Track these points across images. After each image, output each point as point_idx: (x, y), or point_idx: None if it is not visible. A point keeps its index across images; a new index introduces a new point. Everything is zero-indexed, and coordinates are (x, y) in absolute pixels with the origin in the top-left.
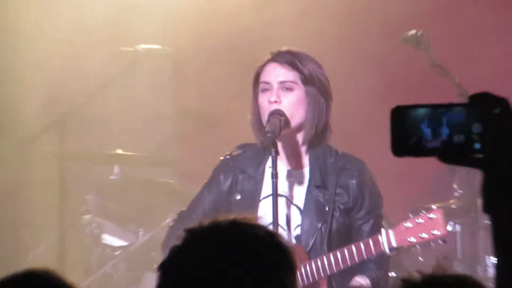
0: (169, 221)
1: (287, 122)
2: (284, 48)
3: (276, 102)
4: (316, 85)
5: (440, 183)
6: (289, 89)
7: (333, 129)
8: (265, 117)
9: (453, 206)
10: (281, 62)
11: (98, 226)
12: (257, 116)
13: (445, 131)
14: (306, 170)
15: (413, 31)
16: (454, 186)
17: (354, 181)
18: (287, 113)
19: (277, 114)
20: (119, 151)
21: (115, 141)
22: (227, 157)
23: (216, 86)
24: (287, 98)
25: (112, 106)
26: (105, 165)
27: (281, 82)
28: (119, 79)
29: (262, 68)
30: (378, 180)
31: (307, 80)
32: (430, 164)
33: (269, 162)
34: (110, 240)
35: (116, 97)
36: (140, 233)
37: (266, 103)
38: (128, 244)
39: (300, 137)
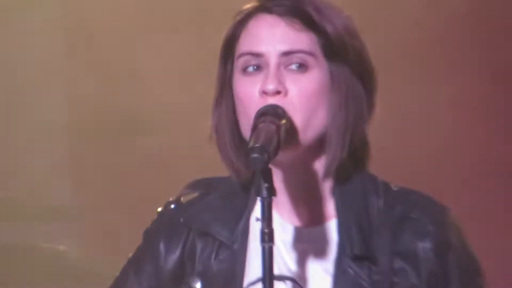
0: None
1: (292, 131)
2: None
3: (278, 92)
4: (350, 61)
5: None
6: (302, 66)
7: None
8: (248, 121)
9: None
10: (282, 14)
11: None
12: (230, 120)
13: None
14: (332, 226)
15: None
16: None
17: (428, 244)
18: (295, 114)
19: (273, 114)
20: None
21: None
22: (171, 207)
23: (143, 67)
24: (297, 86)
25: None
26: None
27: (285, 54)
28: None
29: (241, 26)
30: None
31: (333, 51)
32: None
33: (256, 213)
34: None
35: None
36: None
37: (255, 95)
38: None
39: (319, 161)
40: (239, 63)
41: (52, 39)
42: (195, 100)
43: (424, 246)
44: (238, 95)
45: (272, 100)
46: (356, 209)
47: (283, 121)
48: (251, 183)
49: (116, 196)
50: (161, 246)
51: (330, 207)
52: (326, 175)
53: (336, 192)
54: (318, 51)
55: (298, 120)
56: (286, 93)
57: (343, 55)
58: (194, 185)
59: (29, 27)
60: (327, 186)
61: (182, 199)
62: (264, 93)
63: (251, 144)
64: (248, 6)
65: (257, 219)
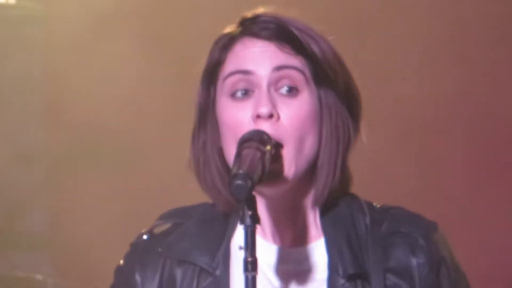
0: None
1: (277, 157)
2: (261, 10)
3: (271, 116)
4: (338, 86)
5: None
6: (293, 90)
7: None
8: (231, 147)
9: None
10: (270, 38)
11: None
12: (215, 147)
13: None
14: (319, 246)
15: None
16: None
17: (421, 259)
18: (288, 140)
19: (258, 141)
20: None
21: None
22: (143, 238)
23: (130, 82)
24: (289, 110)
25: None
26: None
27: (277, 69)
28: None
29: (225, 50)
30: None
31: (323, 75)
32: None
33: (237, 239)
34: None
35: None
36: None
37: (245, 120)
38: None
39: (307, 187)
40: (226, 85)
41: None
42: (178, 134)
43: (418, 261)
44: (226, 121)
45: (265, 125)
46: (345, 228)
47: (268, 147)
48: (231, 210)
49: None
50: (137, 277)
51: (315, 227)
52: (317, 202)
53: (323, 213)
54: (308, 74)
55: (290, 146)
56: (278, 118)
57: (332, 80)
58: (167, 216)
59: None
60: (313, 208)
61: (154, 230)
62: (258, 117)
63: (234, 170)
64: (230, 30)
65: (240, 248)
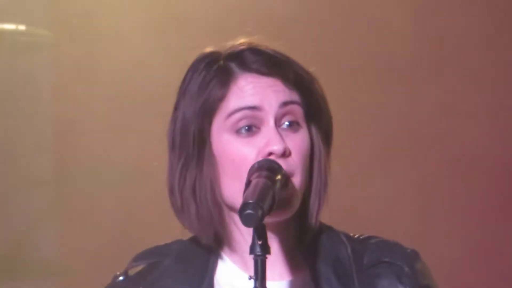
0: None
1: (286, 186)
2: (243, 40)
3: (283, 154)
4: (321, 124)
5: None
6: (295, 124)
7: None
8: (239, 182)
9: None
10: (273, 74)
11: None
12: (211, 181)
13: None
14: (305, 279)
15: None
16: None
17: (407, 287)
18: (297, 175)
19: (268, 169)
20: None
21: None
22: (120, 279)
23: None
24: (295, 145)
25: None
26: None
27: (284, 105)
28: None
29: (225, 85)
30: None
31: (313, 112)
32: None
33: (220, 274)
34: None
35: None
36: None
37: (251, 157)
38: None
39: (294, 219)
40: (229, 122)
41: (40, 86)
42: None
43: None
44: (230, 158)
45: (278, 162)
46: (330, 259)
47: (279, 177)
48: (216, 244)
49: (103, 250)
50: None
51: (299, 259)
52: (306, 236)
53: (307, 245)
54: (302, 112)
55: (298, 176)
56: (290, 154)
57: (319, 118)
58: (141, 257)
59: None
60: (296, 242)
61: (129, 271)
62: (270, 154)
63: (245, 199)
64: (226, 63)
65: (250, 278)
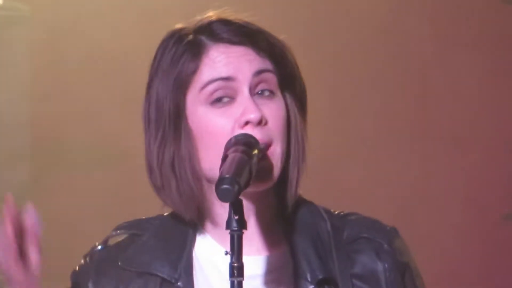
0: None
1: (264, 156)
2: (212, 13)
3: (260, 122)
4: (295, 90)
5: None
6: (270, 92)
7: None
8: (217, 153)
9: None
10: (245, 43)
11: None
12: (190, 155)
13: None
14: (286, 253)
15: None
16: None
17: (387, 264)
18: (277, 143)
19: (245, 144)
20: None
21: None
22: (98, 248)
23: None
24: (272, 113)
25: None
26: None
27: (257, 73)
28: None
29: (197, 56)
30: None
31: (287, 79)
32: None
33: (198, 249)
34: None
35: None
36: None
37: (227, 127)
38: None
39: (272, 195)
40: (203, 94)
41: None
42: None
43: (384, 266)
44: (207, 129)
45: (254, 130)
46: (309, 234)
47: (255, 151)
48: (198, 218)
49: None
50: (90, 285)
51: (279, 234)
52: (287, 207)
53: (287, 220)
54: (276, 79)
55: (277, 146)
56: (266, 122)
57: (292, 85)
58: (123, 227)
59: None
60: (276, 215)
61: (109, 241)
62: (247, 123)
63: (221, 174)
64: (196, 36)
65: (226, 253)
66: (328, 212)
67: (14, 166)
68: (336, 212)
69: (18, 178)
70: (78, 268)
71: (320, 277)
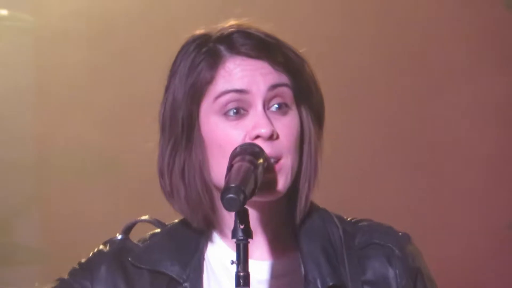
0: None
1: (271, 168)
2: (233, 22)
3: (270, 137)
4: (312, 105)
5: None
6: (284, 107)
7: None
8: (219, 165)
9: None
10: (261, 57)
11: None
12: (201, 164)
13: None
14: (297, 259)
15: None
16: None
17: (398, 270)
18: (287, 158)
19: (250, 153)
20: None
21: None
22: (118, 238)
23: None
24: (284, 127)
25: None
26: None
27: (272, 88)
28: None
29: (214, 67)
30: None
31: (303, 93)
32: None
33: (211, 255)
34: None
35: None
36: None
37: (238, 140)
38: None
39: (284, 203)
40: (217, 104)
41: (21, 71)
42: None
43: (396, 272)
44: (217, 140)
45: (264, 144)
46: (320, 240)
47: (260, 160)
48: (207, 226)
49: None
50: (103, 268)
51: (291, 240)
52: (299, 216)
53: (298, 226)
54: (292, 94)
55: (288, 159)
56: (277, 137)
57: (310, 99)
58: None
59: None
60: (288, 222)
61: (115, 240)
62: (257, 137)
63: (227, 184)
64: (216, 46)
65: (232, 262)
66: (340, 218)
67: (18, 176)
68: (348, 219)
69: (23, 188)
70: (92, 254)
71: (331, 283)
